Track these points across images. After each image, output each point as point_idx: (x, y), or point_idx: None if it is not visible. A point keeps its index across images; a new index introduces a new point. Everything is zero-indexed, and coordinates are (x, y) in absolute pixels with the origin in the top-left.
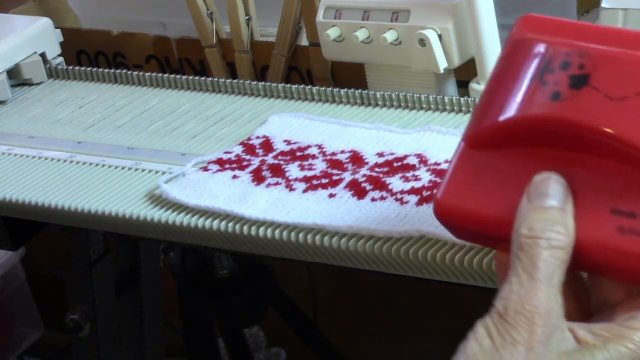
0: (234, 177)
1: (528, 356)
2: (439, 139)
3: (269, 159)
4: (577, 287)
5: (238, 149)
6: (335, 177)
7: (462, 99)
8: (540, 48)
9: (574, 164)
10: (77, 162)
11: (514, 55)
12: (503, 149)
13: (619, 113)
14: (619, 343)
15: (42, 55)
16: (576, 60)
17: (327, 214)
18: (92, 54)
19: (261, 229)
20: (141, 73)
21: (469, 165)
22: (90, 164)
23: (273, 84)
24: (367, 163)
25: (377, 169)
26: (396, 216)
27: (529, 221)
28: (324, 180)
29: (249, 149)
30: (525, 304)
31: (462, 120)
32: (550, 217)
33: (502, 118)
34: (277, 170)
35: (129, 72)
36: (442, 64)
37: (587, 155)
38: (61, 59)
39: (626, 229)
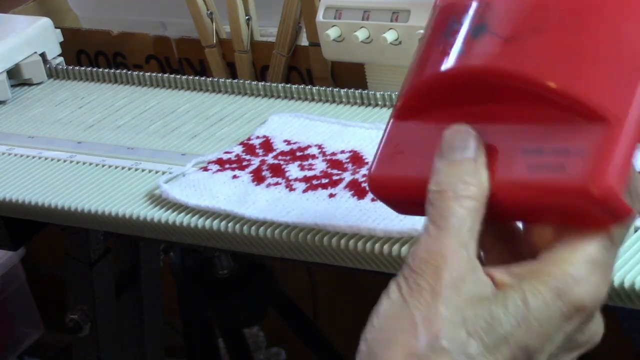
0: (234, 177)
1: (435, 300)
2: None
3: (269, 159)
4: (507, 237)
5: (238, 149)
6: (335, 177)
7: None
8: (450, 9)
9: (485, 116)
10: (77, 162)
11: (431, 24)
12: (424, 114)
13: (515, 52)
14: (534, 279)
15: (42, 55)
16: (477, 12)
17: (327, 214)
18: (92, 54)
19: (261, 229)
20: (141, 73)
21: (397, 137)
22: (90, 164)
23: (273, 84)
24: (367, 163)
25: None
26: (396, 216)
27: (437, 177)
28: (324, 180)
29: (249, 149)
30: (431, 252)
31: None
32: (460, 170)
33: (415, 83)
34: (277, 170)
35: (129, 72)
36: None
37: (496, 104)
38: (61, 59)
39: (535, 165)
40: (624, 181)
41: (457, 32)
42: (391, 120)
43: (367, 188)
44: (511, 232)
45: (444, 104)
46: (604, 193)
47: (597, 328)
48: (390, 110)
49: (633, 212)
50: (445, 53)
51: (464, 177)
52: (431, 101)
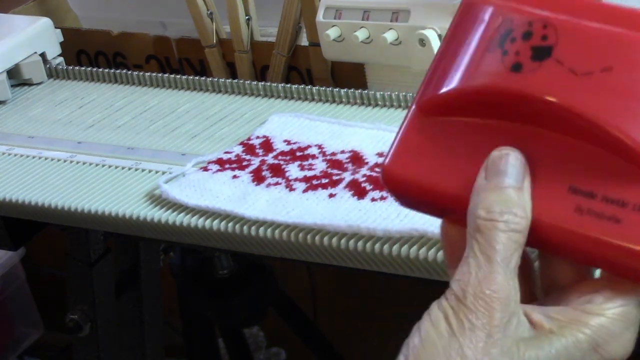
0: (234, 177)
1: (487, 342)
2: None
3: (269, 159)
4: (526, 267)
5: (238, 149)
6: (335, 177)
7: None
8: (501, 14)
9: (532, 140)
10: (77, 162)
11: (472, 19)
12: (457, 117)
13: (582, 89)
14: (575, 329)
15: (42, 55)
16: (539, 30)
17: (327, 214)
18: (92, 54)
19: (261, 229)
20: (141, 73)
21: (420, 132)
22: (90, 164)
23: (273, 84)
24: (367, 163)
25: (377, 169)
26: (396, 216)
27: (486, 202)
28: (324, 180)
29: (249, 149)
30: (485, 288)
31: None
32: (508, 198)
33: (459, 86)
34: (277, 170)
35: (129, 72)
36: None
37: (547, 131)
38: (61, 59)
39: (584, 209)
40: None
41: (514, 44)
42: (413, 109)
43: (381, 178)
44: (529, 264)
45: (484, 114)
46: None
47: None
48: (390, 111)
49: None
50: (502, 65)
51: (514, 209)
52: (471, 108)
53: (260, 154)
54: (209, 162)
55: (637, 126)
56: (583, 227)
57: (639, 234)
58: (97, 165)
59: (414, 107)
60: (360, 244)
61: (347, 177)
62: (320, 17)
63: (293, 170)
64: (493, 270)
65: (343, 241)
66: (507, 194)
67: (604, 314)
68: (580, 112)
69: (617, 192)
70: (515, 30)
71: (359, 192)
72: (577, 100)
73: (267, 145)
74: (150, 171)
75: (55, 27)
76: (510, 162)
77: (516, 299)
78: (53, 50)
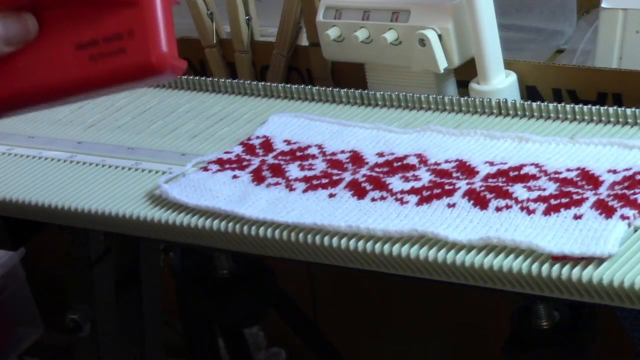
0: (234, 177)
1: None
2: (439, 139)
3: (269, 159)
4: None
5: (238, 149)
6: (335, 177)
7: (462, 99)
8: None
9: (47, 15)
10: (77, 162)
11: None
12: None
13: None
14: None
15: None
16: None
17: (327, 214)
18: None
19: (261, 229)
20: None
21: None
22: (90, 164)
23: (273, 84)
24: (367, 163)
25: (377, 169)
26: (396, 216)
27: None
28: (324, 180)
29: (249, 149)
30: None
31: (462, 120)
32: None
33: None
34: (277, 170)
35: None
36: (442, 64)
37: (53, 7)
38: None
39: (96, 55)
40: (172, 45)
41: None
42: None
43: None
44: None
45: None
46: (158, 63)
47: None
48: (391, 111)
49: (185, 65)
50: None
51: None
52: None
53: (261, 154)
54: (209, 162)
55: None
56: (103, 66)
57: (141, 48)
58: (97, 165)
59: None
60: (360, 244)
61: (347, 177)
62: (320, 17)
63: (293, 170)
64: None
65: (343, 241)
66: None
67: None
68: None
69: (111, 30)
70: None
71: (359, 192)
72: None
73: (267, 145)
74: (150, 171)
75: None
76: None
77: None
78: None
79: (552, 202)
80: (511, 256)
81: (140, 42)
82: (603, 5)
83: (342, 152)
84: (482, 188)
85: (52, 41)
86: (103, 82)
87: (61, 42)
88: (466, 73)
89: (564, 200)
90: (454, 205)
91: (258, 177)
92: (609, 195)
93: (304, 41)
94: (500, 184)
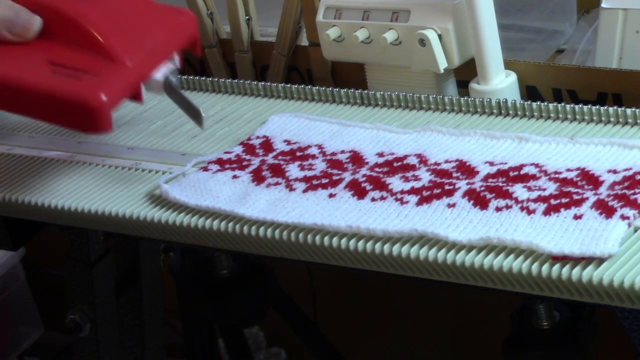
0: (234, 177)
1: None
2: (439, 139)
3: (269, 159)
4: None
5: (238, 149)
6: (335, 177)
7: (462, 99)
8: None
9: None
10: (77, 162)
11: None
12: None
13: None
14: None
15: None
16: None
17: (327, 214)
18: None
19: (261, 229)
20: None
21: None
22: (90, 164)
23: (273, 84)
24: (367, 163)
25: (377, 169)
26: (396, 216)
27: None
28: (324, 180)
29: (249, 149)
30: None
31: (462, 120)
32: None
33: None
34: (277, 170)
35: None
36: (442, 64)
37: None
38: None
39: (57, 71)
40: (114, 104)
41: None
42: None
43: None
44: None
45: None
46: (96, 104)
47: None
48: (391, 111)
49: (112, 130)
50: None
51: None
52: None
53: (261, 154)
54: (209, 162)
55: (102, 22)
56: (56, 81)
57: (89, 85)
58: (97, 165)
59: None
60: (360, 244)
61: (347, 177)
62: (320, 17)
63: (293, 170)
64: None
65: (343, 241)
66: None
67: None
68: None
69: (83, 65)
70: None
71: (359, 192)
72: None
73: (267, 146)
74: (150, 171)
75: None
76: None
77: None
78: None
79: (552, 202)
80: (511, 256)
81: (95, 82)
82: (603, 5)
83: (342, 152)
84: (482, 188)
85: (34, 46)
86: (47, 93)
87: (40, 49)
88: (466, 73)
89: (564, 200)
90: (454, 205)
91: (258, 177)
92: (609, 195)
93: (304, 41)
94: (500, 184)
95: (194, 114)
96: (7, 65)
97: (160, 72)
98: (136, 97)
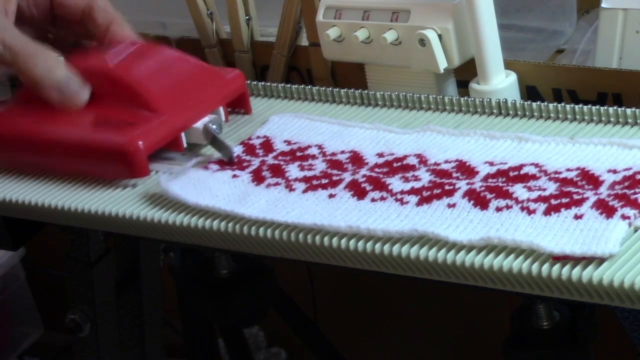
0: (234, 176)
1: None
2: (439, 139)
3: (269, 159)
4: None
5: (238, 149)
6: (335, 178)
7: (462, 99)
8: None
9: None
10: None
11: None
12: None
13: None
14: None
15: None
16: None
17: (327, 214)
18: None
19: (261, 229)
20: None
21: None
22: None
23: (273, 84)
24: (367, 163)
25: (377, 169)
26: (396, 216)
27: None
28: (324, 181)
29: (249, 149)
30: None
31: (462, 120)
32: None
33: None
34: (277, 171)
35: None
36: (442, 64)
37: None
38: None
39: (99, 126)
40: (152, 149)
41: None
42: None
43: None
44: None
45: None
46: (132, 150)
47: None
48: (391, 111)
49: (148, 174)
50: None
51: None
52: None
53: (260, 154)
54: (209, 162)
55: (146, 81)
56: (98, 131)
57: (129, 134)
58: None
59: None
60: (360, 244)
61: (347, 177)
62: (320, 17)
63: (293, 170)
64: None
65: (343, 241)
66: None
67: None
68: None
69: (128, 118)
70: None
71: (358, 192)
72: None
73: (267, 146)
74: (150, 171)
75: None
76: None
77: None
78: None
79: (553, 202)
80: (511, 256)
81: (132, 130)
82: (603, 5)
83: (342, 152)
84: (482, 188)
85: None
86: (86, 146)
87: (87, 109)
88: (466, 73)
89: (564, 200)
90: (454, 205)
91: (258, 177)
92: (609, 195)
93: (304, 41)
94: (501, 184)
95: (229, 159)
96: (47, 122)
97: (201, 122)
98: (176, 145)
